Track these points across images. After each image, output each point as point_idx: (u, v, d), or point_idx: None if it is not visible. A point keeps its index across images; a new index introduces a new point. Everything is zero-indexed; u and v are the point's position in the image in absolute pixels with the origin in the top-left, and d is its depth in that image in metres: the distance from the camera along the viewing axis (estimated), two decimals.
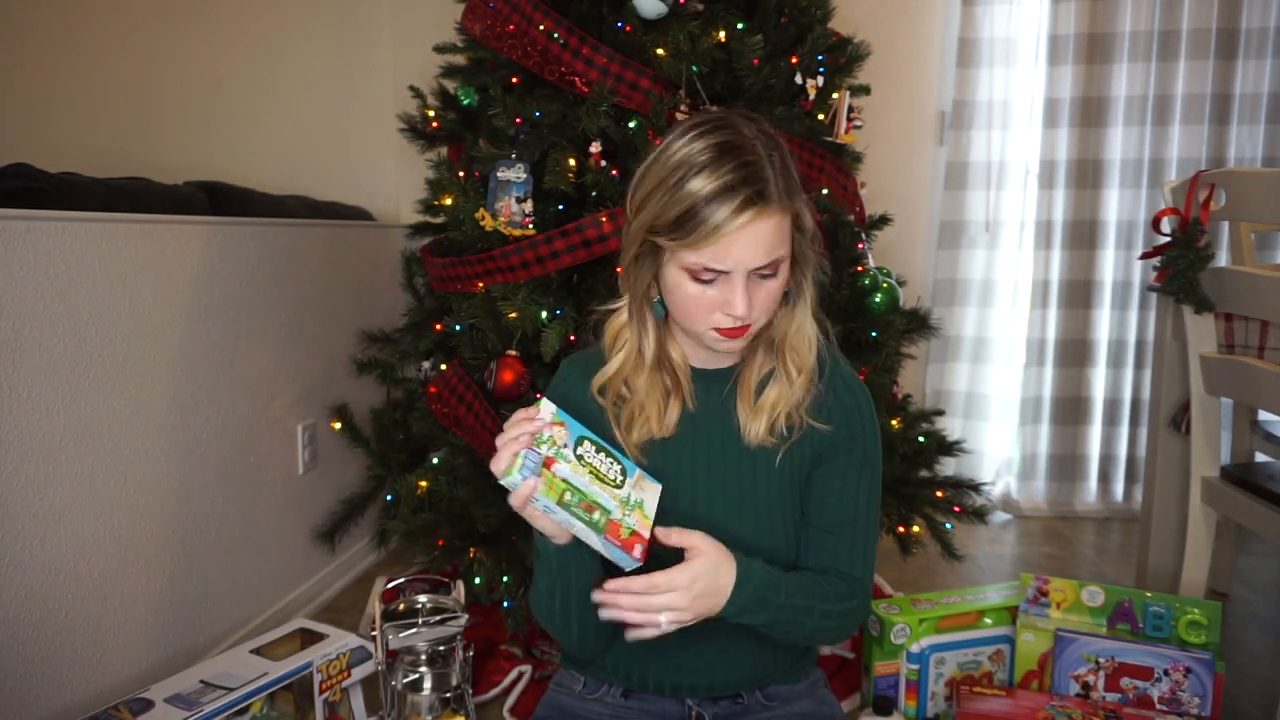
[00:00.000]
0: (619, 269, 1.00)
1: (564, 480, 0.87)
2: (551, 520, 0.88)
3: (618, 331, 1.02)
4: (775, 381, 0.99)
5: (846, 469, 1.01)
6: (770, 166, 0.88)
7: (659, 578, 0.87)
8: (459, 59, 1.86)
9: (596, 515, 0.87)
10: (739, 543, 0.95)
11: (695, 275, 0.90)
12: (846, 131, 1.77)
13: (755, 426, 0.99)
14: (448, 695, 1.34)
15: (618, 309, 1.02)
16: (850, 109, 1.77)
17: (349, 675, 1.40)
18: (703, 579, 0.88)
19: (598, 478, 0.89)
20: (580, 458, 0.90)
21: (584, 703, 1.06)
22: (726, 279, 0.89)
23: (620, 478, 0.92)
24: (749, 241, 0.87)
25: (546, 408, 0.90)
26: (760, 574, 0.92)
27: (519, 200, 1.61)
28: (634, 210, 0.93)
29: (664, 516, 0.95)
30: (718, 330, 0.92)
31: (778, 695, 1.06)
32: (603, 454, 0.92)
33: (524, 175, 1.61)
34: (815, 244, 0.98)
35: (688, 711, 1.04)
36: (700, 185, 0.86)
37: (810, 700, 1.07)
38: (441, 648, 1.34)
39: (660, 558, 0.90)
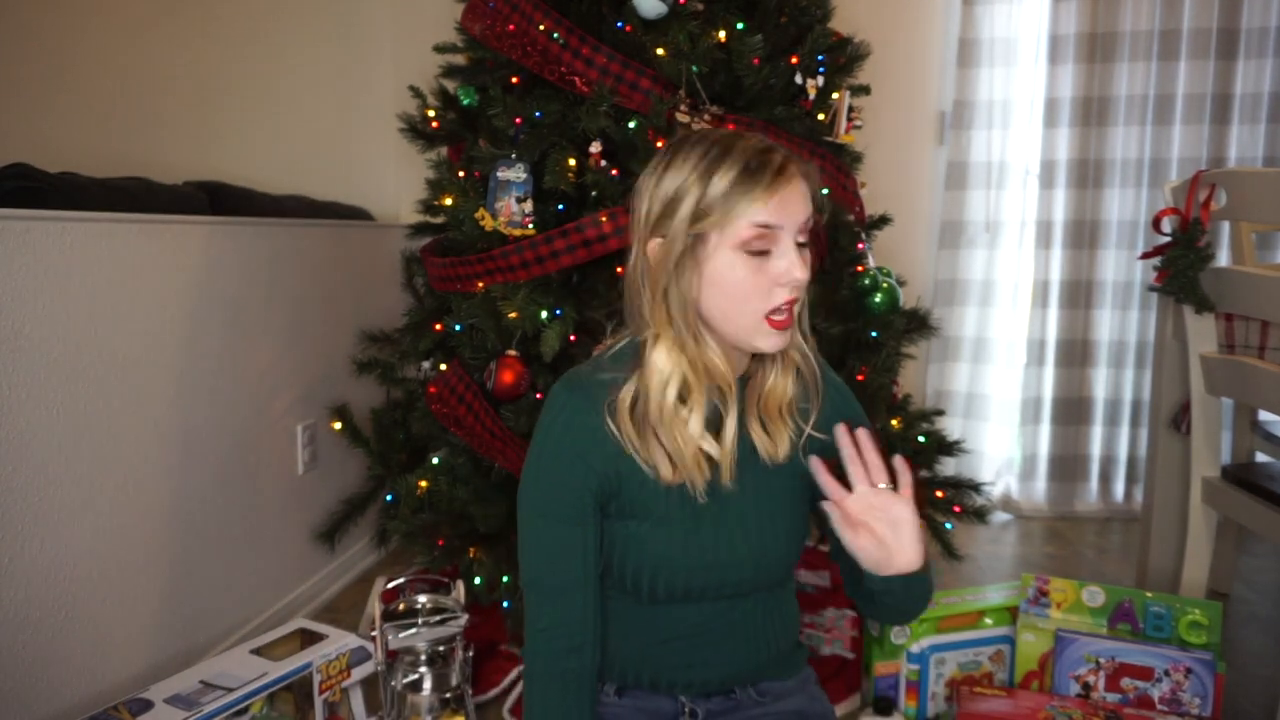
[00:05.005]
0: (649, 294, 0.93)
1: None
2: None
3: (648, 359, 0.93)
4: (778, 376, 0.97)
5: None
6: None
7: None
8: (459, 59, 1.86)
9: None
10: (761, 559, 0.99)
11: (750, 244, 0.87)
12: (846, 131, 1.76)
13: (780, 437, 0.97)
14: (448, 695, 1.34)
15: (631, 340, 0.97)
16: (850, 109, 1.77)
17: (349, 675, 1.40)
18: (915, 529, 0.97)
19: None
20: None
21: None
22: (779, 246, 0.88)
23: None
24: (797, 193, 0.88)
25: None
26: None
27: (519, 200, 1.61)
28: (661, 215, 0.90)
29: (683, 551, 0.95)
30: (769, 320, 0.89)
31: (770, 691, 1.07)
32: None
33: (524, 175, 1.61)
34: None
35: (681, 708, 1.05)
36: (740, 151, 0.87)
37: (802, 697, 1.07)
38: (441, 648, 1.34)
39: None
